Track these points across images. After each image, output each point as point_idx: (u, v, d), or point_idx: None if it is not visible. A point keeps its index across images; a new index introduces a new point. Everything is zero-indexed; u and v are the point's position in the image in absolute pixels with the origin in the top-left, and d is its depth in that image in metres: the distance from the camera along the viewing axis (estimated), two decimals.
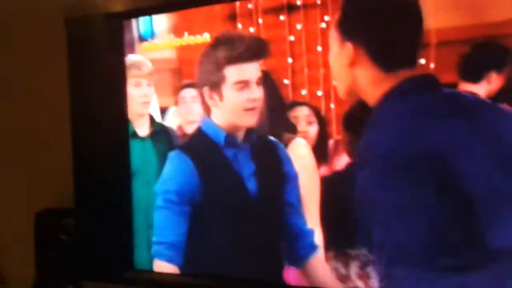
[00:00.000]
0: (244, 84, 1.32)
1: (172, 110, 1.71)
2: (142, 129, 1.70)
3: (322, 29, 1.60)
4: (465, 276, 0.84)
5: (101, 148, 1.67)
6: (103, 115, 1.67)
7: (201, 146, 1.37)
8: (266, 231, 1.20)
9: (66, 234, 1.76)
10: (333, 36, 0.98)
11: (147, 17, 1.78)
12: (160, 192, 1.38)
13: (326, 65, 1.52)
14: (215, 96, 1.34)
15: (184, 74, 1.87)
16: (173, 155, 1.39)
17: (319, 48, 1.56)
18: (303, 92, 1.69)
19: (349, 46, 0.93)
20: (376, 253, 0.88)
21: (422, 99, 0.88)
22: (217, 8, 1.74)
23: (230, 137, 1.34)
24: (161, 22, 1.82)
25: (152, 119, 1.71)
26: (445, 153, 0.81)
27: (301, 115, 1.55)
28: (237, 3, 1.75)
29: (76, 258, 1.69)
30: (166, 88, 1.85)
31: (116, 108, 1.67)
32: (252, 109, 1.34)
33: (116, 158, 1.66)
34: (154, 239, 1.38)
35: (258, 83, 1.36)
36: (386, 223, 0.85)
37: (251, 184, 1.32)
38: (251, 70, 1.34)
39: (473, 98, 0.93)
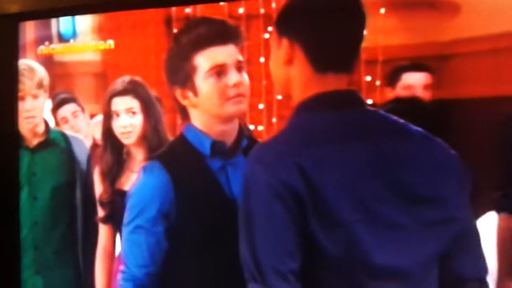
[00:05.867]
0: (220, 69, 1.07)
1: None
2: (33, 139, 1.49)
3: (265, 39, 1.55)
4: None
5: None
6: None
7: (182, 157, 1.11)
8: None
9: None
10: (273, 34, 0.92)
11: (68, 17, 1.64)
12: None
13: (268, 76, 1.47)
14: (189, 93, 1.09)
15: (110, 79, 1.72)
16: (149, 165, 1.12)
17: (262, 59, 1.50)
18: None
19: (285, 42, 0.88)
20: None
21: (319, 117, 0.84)
22: (151, 11, 1.64)
23: (217, 144, 1.09)
24: (84, 22, 1.68)
25: (47, 127, 1.51)
26: (315, 173, 0.78)
27: None
28: (173, 8, 1.66)
29: None
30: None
31: (6, 117, 1.49)
32: (236, 96, 1.08)
33: (5, 171, 1.42)
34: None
35: (238, 68, 1.09)
36: (242, 236, 0.81)
37: None
38: (225, 53, 1.08)
39: (387, 120, 0.88)
